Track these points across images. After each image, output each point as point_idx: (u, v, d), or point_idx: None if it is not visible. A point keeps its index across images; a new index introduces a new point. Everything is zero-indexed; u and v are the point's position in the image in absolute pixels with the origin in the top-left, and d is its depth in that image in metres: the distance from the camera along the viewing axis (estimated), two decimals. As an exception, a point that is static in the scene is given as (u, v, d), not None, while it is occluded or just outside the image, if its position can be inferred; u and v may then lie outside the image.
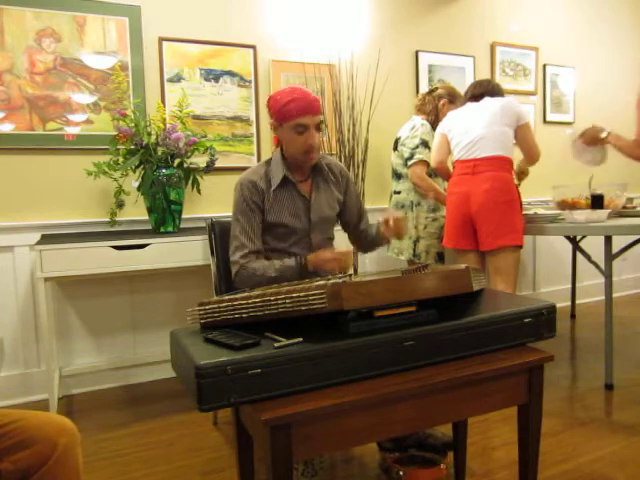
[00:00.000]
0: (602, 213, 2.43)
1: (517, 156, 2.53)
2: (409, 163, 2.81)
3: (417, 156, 2.77)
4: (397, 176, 2.93)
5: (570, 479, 1.70)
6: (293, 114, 1.64)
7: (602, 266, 2.41)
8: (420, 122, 2.85)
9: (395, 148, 2.95)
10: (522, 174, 2.75)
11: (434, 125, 2.89)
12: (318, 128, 1.69)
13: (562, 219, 2.57)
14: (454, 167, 2.59)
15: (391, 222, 1.71)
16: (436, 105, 2.90)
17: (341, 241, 2.03)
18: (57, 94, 2.54)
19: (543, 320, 1.30)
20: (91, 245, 2.17)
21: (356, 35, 3.25)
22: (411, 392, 1.11)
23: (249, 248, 1.72)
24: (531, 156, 2.57)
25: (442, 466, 1.65)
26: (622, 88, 4.39)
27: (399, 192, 2.91)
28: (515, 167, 2.71)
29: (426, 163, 2.79)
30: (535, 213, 2.59)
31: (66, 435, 1.07)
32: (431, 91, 2.95)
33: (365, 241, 1.97)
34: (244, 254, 1.71)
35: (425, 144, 2.78)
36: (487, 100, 2.52)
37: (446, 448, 1.71)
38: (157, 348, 2.80)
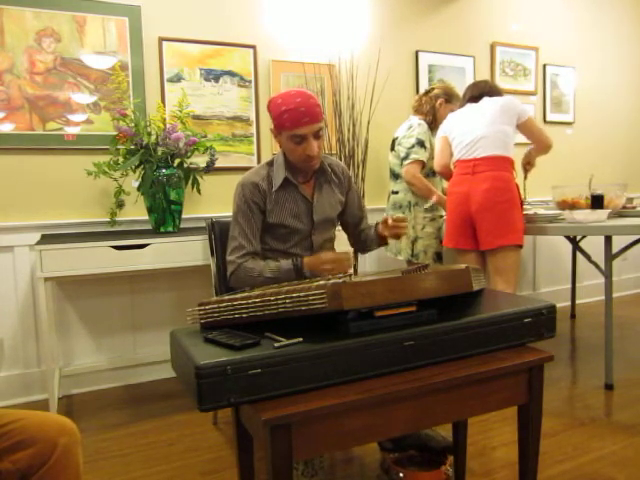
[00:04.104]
0: (602, 213, 2.43)
1: (517, 155, 2.53)
2: (404, 163, 2.81)
3: (412, 156, 2.77)
4: (394, 176, 2.93)
5: (570, 479, 1.70)
6: (287, 125, 1.62)
7: (602, 266, 2.41)
8: (417, 122, 2.85)
9: (392, 148, 2.96)
10: (528, 165, 2.74)
11: (432, 125, 2.90)
12: (317, 136, 1.65)
13: (562, 219, 2.57)
14: (455, 167, 2.59)
15: (390, 221, 1.71)
16: (433, 105, 2.90)
17: (341, 242, 2.03)
18: (57, 94, 2.54)
19: (543, 320, 1.30)
20: (91, 245, 2.17)
21: (356, 35, 3.25)
22: (411, 392, 1.11)
23: (247, 249, 1.72)
24: (543, 148, 2.59)
25: (442, 469, 1.65)
26: (622, 88, 4.40)
27: (397, 192, 2.91)
28: (522, 158, 2.72)
29: (421, 163, 2.79)
30: (535, 213, 2.59)
31: (66, 435, 1.07)
32: (427, 92, 2.95)
33: (364, 241, 1.97)
34: (241, 255, 1.71)
35: (421, 144, 2.78)
36: (486, 100, 2.52)
37: (446, 452, 1.71)
38: (157, 348, 2.80)
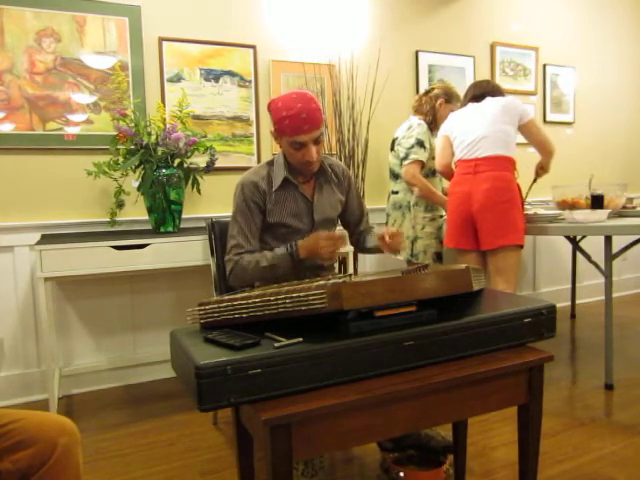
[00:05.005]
0: (602, 213, 2.43)
1: (518, 155, 2.53)
2: (404, 163, 2.81)
3: (412, 156, 2.77)
4: (394, 176, 2.93)
5: (570, 479, 1.70)
6: (287, 132, 1.62)
7: (602, 266, 2.41)
8: (417, 122, 2.84)
9: (392, 148, 2.95)
10: (541, 170, 2.70)
11: (432, 125, 2.90)
12: (317, 141, 1.65)
13: (562, 219, 2.57)
14: (456, 166, 2.59)
15: (387, 238, 1.67)
16: (433, 105, 2.89)
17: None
18: (57, 94, 2.54)
19: (543, 320, 1.30)
20: (91, 245, 2.17)
21: (356, 35, 3.25)
22: (411, 392, 1.11)
23: (245, 248, 1.72)
24: (544, 152, 2.57)
25: (443, 468, 1.65)
26: (622, 88, 4.40)
27: (397, 192, 2.91)
28: (537, 163, 2.70)
29: (421, 163, 2.78)
30: (535, 213, 2.59)
31: (66, 435, 1.07)
32: (427, 92, 2.95)
33: (363, 244, 1.98)
34: (239, 252, 1.72)
35: (420, 144, 2.78)
36: (488, 100, 2.52)
37: (446, 451, 1.71)
38: (157, 348, 2.80)
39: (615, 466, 1.77)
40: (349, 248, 2.15)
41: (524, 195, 2.61)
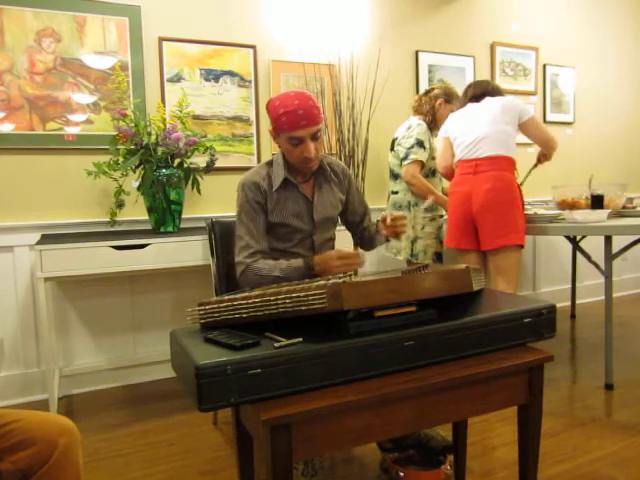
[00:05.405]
0: (602, 213, 2.43)
1: (519, 155, 2.53)
2: (404, 163, 2.81)
3: (411, 156, 2.77)
4: (394, 176, 2.94)
5: (570, 479, 1.70)
6: (285, 128, 1.62)
7: (602, 266, 2.41)
8: (416, 122, 2.85)
9: (392, 148, 2.95)
10: (543, 157, 2.71)
11: (431, 125, 2.90)
12: (315, 137, 1.65)
13: (562, 219, 2.57)
14: (456, 166, 2.59)
15: (389, 220, 1.71)
16: (433, 105, 2.90)
17: (341, 241, 2.03)
18: (57, 94, 2.54)
19: (543, 320, 1.30)
20: (91, 245, 2.17)
21: (356, 35, 3.25)
22: (411, 392, 1.11)
23: (255, 248, 1.71)
24: (547, 148, 2.59)
25: (442, 468, 1.65)
26: (622, 88, 4.40)
27: (396, 192, 2.91)
28: (539, 151, 2.71)
29: (420, 163, 2.79)
30: (535, 213, 2.59)
31: (66, 435, 1.07)
32: (427, 92, 2.95)
33: (368, 239, 1.98)
34: (250, 254, 1.70)
35: (420, 144, 2.78)
36: (488, 100, 2.52)
37: (446, 452, 1.71)
38: (157, 348, 2.80)
39: (615, 466, 1.77)
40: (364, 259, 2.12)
41: (522, 179, 2.61)
